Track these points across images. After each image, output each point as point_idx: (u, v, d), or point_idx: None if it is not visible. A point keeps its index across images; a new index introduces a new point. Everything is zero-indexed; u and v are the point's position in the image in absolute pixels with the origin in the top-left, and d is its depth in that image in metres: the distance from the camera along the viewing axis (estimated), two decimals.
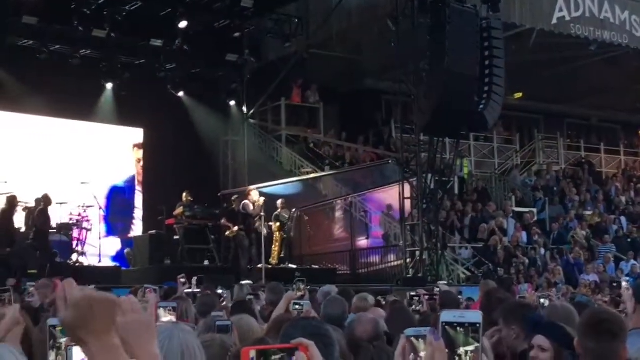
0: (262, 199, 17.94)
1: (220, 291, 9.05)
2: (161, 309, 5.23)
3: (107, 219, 20.04)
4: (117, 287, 12.65)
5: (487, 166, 25.74)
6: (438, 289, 9.53)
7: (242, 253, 17.90)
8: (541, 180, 25.20)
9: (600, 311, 4.46)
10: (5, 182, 16.43)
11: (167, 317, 5.10)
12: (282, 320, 4.95)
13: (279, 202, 18.78)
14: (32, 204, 16.68)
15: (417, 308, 7.15)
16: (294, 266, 18.39)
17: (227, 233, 18.25)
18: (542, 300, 7.63)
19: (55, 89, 19.43)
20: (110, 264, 18.64)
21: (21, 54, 19.26)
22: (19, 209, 16.55)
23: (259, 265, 17.01)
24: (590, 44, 21.95)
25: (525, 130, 28.40)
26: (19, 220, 16.66)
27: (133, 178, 22.79)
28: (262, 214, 17.35)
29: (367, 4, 20.42)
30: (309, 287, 8.05)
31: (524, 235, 21.42)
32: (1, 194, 16.29)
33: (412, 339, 2.18)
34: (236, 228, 17.97)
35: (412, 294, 7.43)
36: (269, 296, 8.73)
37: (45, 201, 16.43)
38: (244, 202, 18.08)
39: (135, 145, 22.78)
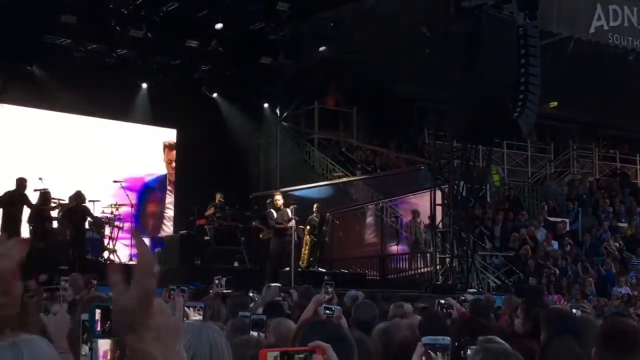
0: (281, 203, 17.76)
1: (251, 294, 9.08)
2: (190, 308, 5.26)
3: (137, 217, 20.17)
4: None
5: (520, 175, 25.55)
6: (463, 297, 9.47)
7: (273, 257, 17.88)
8: (574, 190, 24.95)
9: (621, 323, 4.37)
10: (40, 179, 16.60)
11: (195, 317, 5.13)
12: (309, 323, 4.93)
13: (315, 206, 18.77)
14: (66, 201, 16.87)
15: (448, 313, 7.10)
16: (323, 270, 18.37)
17: (261, 236, 18.28)
18: (574, 311, 7.56)
19: (91, 87, 19.63)
20: None
21: (58, 53, 19.46)
22: (53, 205, 16.74)
23: (287, 269, 17.01)
24: (627, 54, 21.74)
25: (560, 139, 28.16)
26: (52, 217, 16.85)
27: (164, 178, 22.94)
28: (294, 217, 17.29)
29: (403, 10, 20.36)
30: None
31: (554, 245, 21.22)
32: (35, 190, 16.46)
33: (429, 350, 2.17)
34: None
35: (442, 301, 7.37)
36: (298, 299, 8.72)
37: (78, 198, 16.59)
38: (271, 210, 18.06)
39: (166, 147, 22.92)
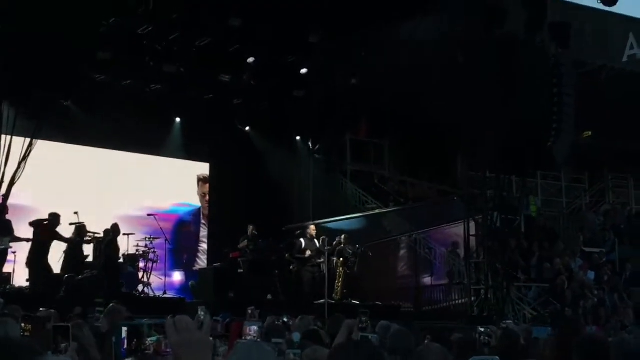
0: (313, 234, 17.95)
1: (285, 319, 9.07)
2: (248, 327, 5.34)
3: (172, 251, 20.25)
4: None
5: (555, 205, 25.29)
6: (504, 325, 9.36)
7: (304, 288, 17.88)
8: (611, 221, 24.62)
9: (595, 335, 4.37)
10: (75, 213, 16.76)
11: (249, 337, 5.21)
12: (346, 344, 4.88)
13: (342, 237, 18.73)
14: (101, 235, 16.99)
15: (487, 341, 6.99)
16: (357, 302, 18.27)
17: (291, 268, 18.31)
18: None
19: (126, 122, 19.83)
20: (175, 295, 18.80)
21: (93, 88, 19.67)
22: (88, 239, 16.88)
23: (321, 301, 16.94)
24: None
25: (595, 169, 27.85)
26: (88, 250, 16.98)
27: (199, 211, 23.04)
28: (327, 248, 17.30)
29: (436, 38, 20.37)
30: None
31: (590, 275, 20.92)
32: (71, 224, 16.61)
33: None
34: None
35: (482, 329, 7.27)
36: (329, 329, 8.64)
37: (114, 232, 16.73)
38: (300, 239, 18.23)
39: (200, 180, 23.05)
